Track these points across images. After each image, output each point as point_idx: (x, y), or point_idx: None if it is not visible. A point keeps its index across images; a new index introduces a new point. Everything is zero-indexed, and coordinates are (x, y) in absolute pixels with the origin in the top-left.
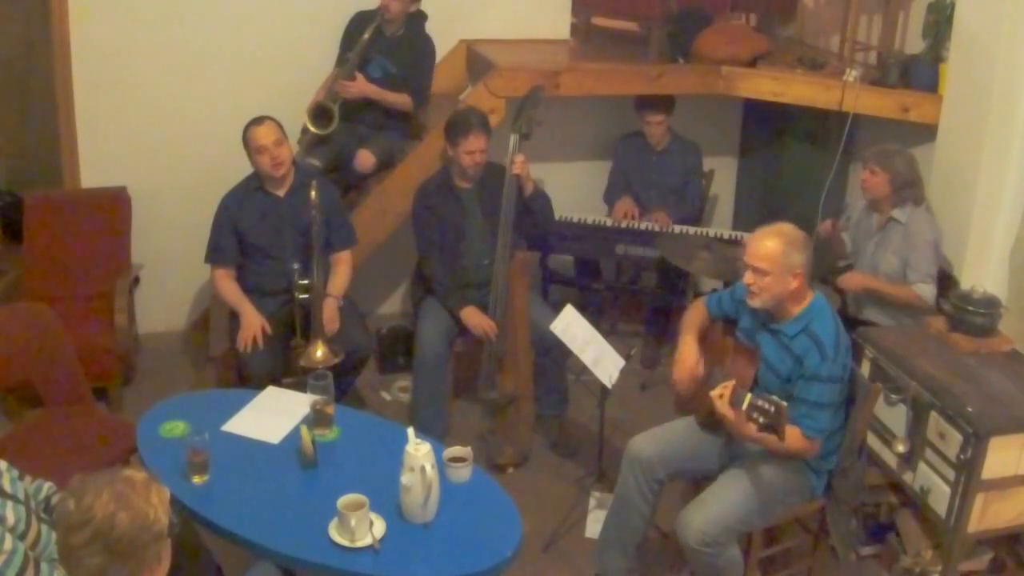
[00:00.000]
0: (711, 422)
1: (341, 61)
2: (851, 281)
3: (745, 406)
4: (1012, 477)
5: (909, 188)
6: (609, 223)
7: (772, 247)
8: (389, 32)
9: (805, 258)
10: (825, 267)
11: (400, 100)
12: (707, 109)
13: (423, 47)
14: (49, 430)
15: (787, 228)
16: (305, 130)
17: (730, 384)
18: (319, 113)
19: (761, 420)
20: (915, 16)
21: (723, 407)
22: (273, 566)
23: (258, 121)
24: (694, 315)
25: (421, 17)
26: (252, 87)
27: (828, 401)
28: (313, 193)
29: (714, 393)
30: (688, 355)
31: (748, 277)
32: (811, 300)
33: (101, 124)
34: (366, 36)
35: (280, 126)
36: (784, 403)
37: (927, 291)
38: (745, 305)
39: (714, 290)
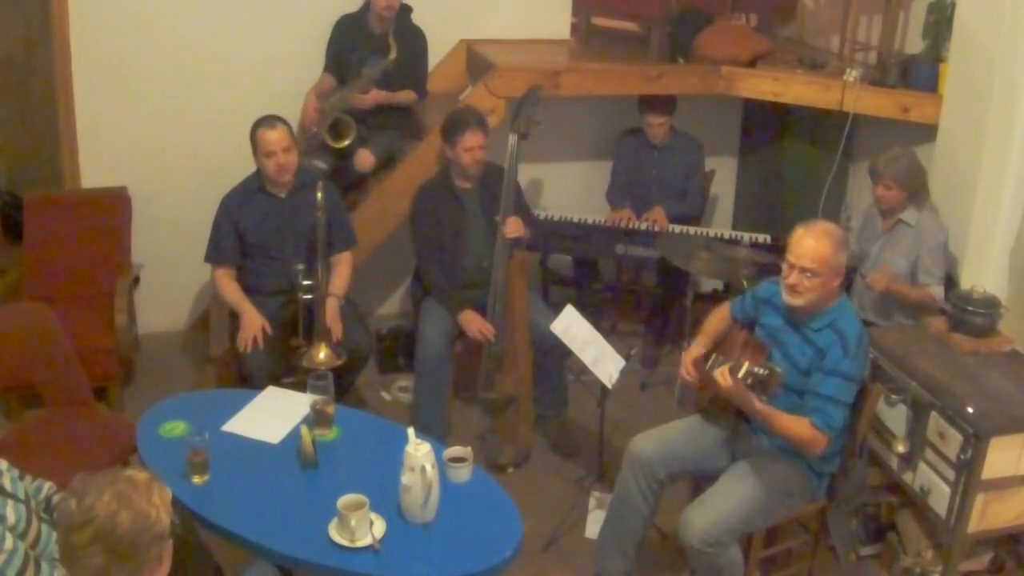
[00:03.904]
0: (711, 407)
1: (333, 66)
2: (878, 281)
3: (742, 373)
4: (1012, 477)
5: (920, 192)
6: (609, 223)
7: (824, 249)
8: (380, 30)
9: (847, 256)
10: None
11: (407, 97)
12: (707, 109)
13: (416, 40)
14: (49, 430)
15: (832, 227)
16: (312, 135)
17: (730, 361)
18: (336, 127)
19: (750, 381)
20: (915, 16)
21: (723, 379)
22: (271, 566)
23: (270, 124)
24: (713, 321)
25: (407, 10)
26: (252, 87)
27: (843, 398)
28: (319, 194)
29: (716, 372)
30: (690, 353)
31: (794, 277)
32: (839, 300)
33: (101, 124)
34: (392, 56)
35: (291, 131)
36: (780, 369)
37: (941, 293)
38: (768, 304)
39: (715, 290)
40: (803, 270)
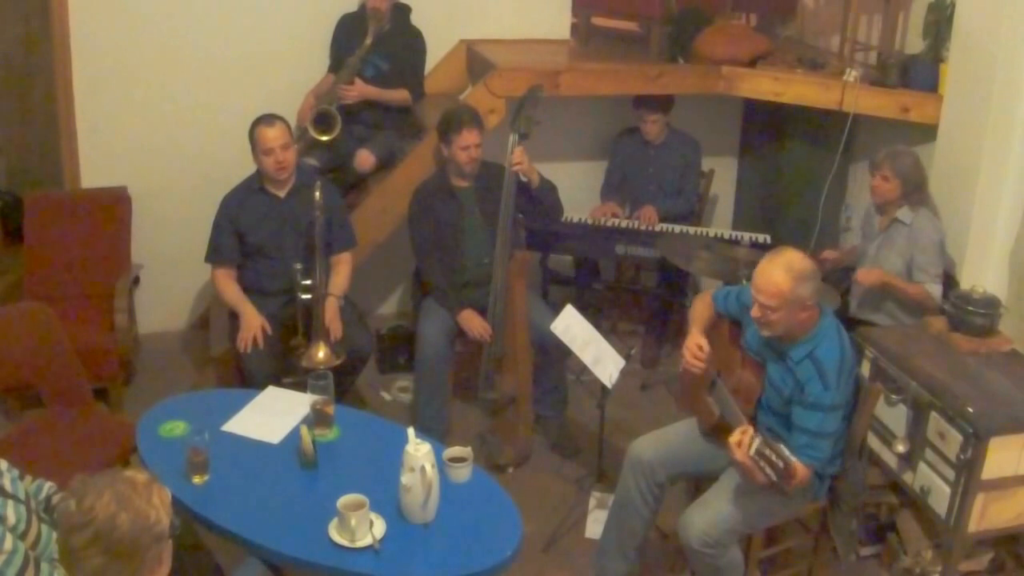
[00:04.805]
0: (714, 434)
1: (336, 66)
2: (869, 276)
3: (752, 451)
4: (1012, 477)
5: (917, 191)
6: (609, 223)
7: (780, 283)
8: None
9: (814, 288)
10: (839, 274)
11: (399, 96)
12: (707, 109)
13: (413, 40)
14: (49, 430)
15: (795, 259)
16: (304, 132)
17: (748, 430)
18: (322, 119)
19: (767, 470)
20: (915, 16)
21: (741, 455)
22: (262, 564)
23: (269, 122)
24: (701, 308)
25: (405, 10)
26: (252, 87)
27: (831, 430)
28: (317, 194)
29: (732, 440)
30: (692, 340)
31: (756, 310)
32: (820, 324)
33: (101, 124)
34: (368, 42)
35: (289, 129)
36: (793, 459)
37: (937, 291)
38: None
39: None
40: (762, 305)
